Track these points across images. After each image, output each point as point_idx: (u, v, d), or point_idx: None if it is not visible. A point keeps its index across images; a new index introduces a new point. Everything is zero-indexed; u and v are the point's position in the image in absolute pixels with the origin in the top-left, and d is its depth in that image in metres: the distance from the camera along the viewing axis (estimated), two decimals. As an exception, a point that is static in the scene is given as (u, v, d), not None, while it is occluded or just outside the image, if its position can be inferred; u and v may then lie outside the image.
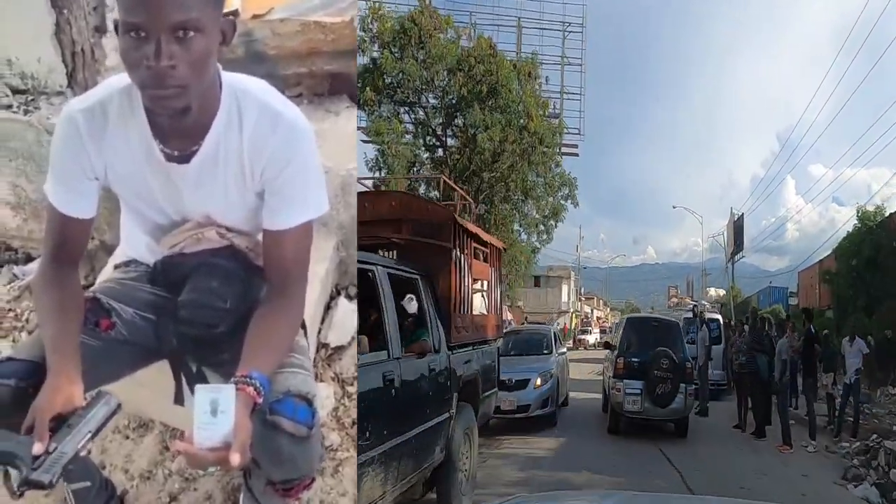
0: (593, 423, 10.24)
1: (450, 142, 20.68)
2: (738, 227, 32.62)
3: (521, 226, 25.35)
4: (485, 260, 6.20)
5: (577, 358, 28.37)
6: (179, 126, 2.11)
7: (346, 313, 3.58)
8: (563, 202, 24.88)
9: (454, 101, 19.57)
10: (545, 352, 10.56)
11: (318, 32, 3.46)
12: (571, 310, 51.65)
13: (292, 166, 2.18)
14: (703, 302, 18.68)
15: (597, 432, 9.44)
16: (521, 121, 19.19)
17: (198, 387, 1.92)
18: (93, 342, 2.28)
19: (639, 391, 8.47)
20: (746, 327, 10.43)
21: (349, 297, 3.67)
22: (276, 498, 2.28)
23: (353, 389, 3.42)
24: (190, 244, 2.41)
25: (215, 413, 1.85)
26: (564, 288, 50.15)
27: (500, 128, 18.58)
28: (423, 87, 19.26)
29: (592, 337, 40.68)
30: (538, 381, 9.27)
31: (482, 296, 6.29)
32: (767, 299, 33.83)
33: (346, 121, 3.61)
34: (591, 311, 63.86)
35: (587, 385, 14.57)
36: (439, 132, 20.50)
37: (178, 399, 2.63)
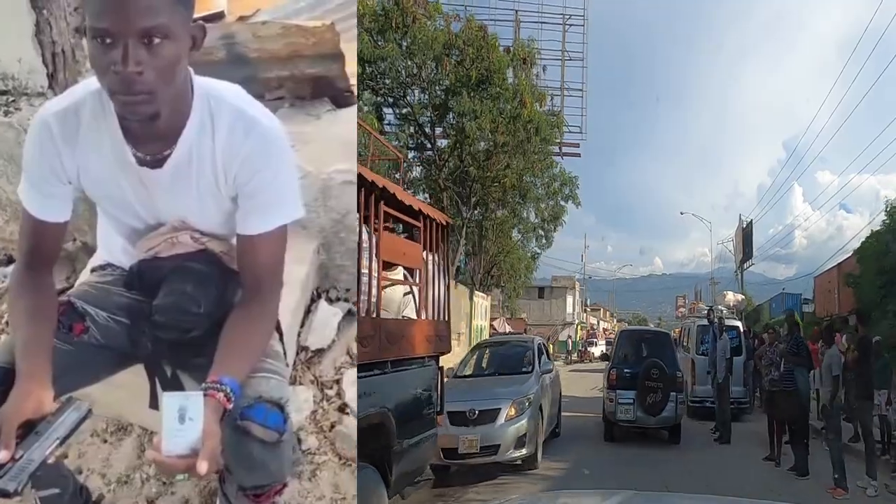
0: (590, 455, 8.43)
1: (440, 143, 19.62)
2: (746, 235, 32.14)
3: (519, 231, 24.79)
4: (413, 237, 4.49)
5: (581, 369, 27.79)
6: (151, 131, 2.10)
7: (327, 316, 3.57)
8: (563, 203, 24.23)
9: (442, 94, 17.89)
10: (524, 370, 8.20)
11: (300, 36, 3.45)
12: (577, 321, 50.22)
13: (266, 171, 2.19)
14: (720, 307, 17.92)
15: (596, 468, 7.57)
16: (515, 108, 17.43)
17: (165, 394, 1.92)
18: (66, 347, 2.27)
19: (631, 401, 8.66)
20: (765, 335, 8.95)
21: (329, 301, 3.66)
22: (248, 503, 2.27)
23: (331, 392, 3.41)
24: (165, 248, 2.41)
25: (183, 420, 1.85)
26: (569, 299, 48.82)
27: (491, 116, 16.86)
28: (409, 79, 17.91)
29: (598, 349, 39.30)
30: (511, 411, 6.95)
31: (411, 292, 4.41)
32: (780, 306, 33.07)
33: (329, 124, 3.60)
34: (598, 322, 62.35)
35: (587, 404, 12.68)
36: (427, 129, 19.19)
37: (153, 403, 2.63)
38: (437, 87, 18.11)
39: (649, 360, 8.86)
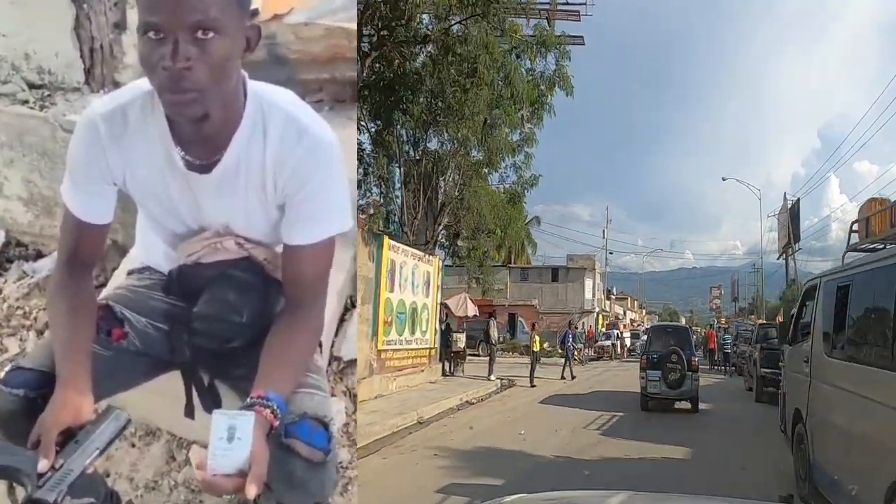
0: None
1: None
2: (793, 215, 28.14)
3: (485, 154, 15.44)
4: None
5: (591, 374, 20.63)
6: (201, 134, 2.05)
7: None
8: (548, 91, 15.78)
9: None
10: None
11: (343, 38, 3.37)
12: (597, 308, 42.06)
13: (315, 181, 2.13)
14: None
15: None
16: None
17: (216, 412, 1.87)
18: (104, 352, 2.23)
19: (658, 378, 11.46)
20: None
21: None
22: None
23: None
24: (207, 254, 2.35)
25: (232, 439, 1.80)
26: (588, 283, 40.57)
27: None
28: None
29: (619, 343, 33.36)
30: None
31: None
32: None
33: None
34: (624, 312, 54.97)
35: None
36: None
37: (189, 412, 2.57)
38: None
39: (671, 347, 11.63)
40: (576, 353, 28.67)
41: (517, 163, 17.04)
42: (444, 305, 16.62)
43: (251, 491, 1.77)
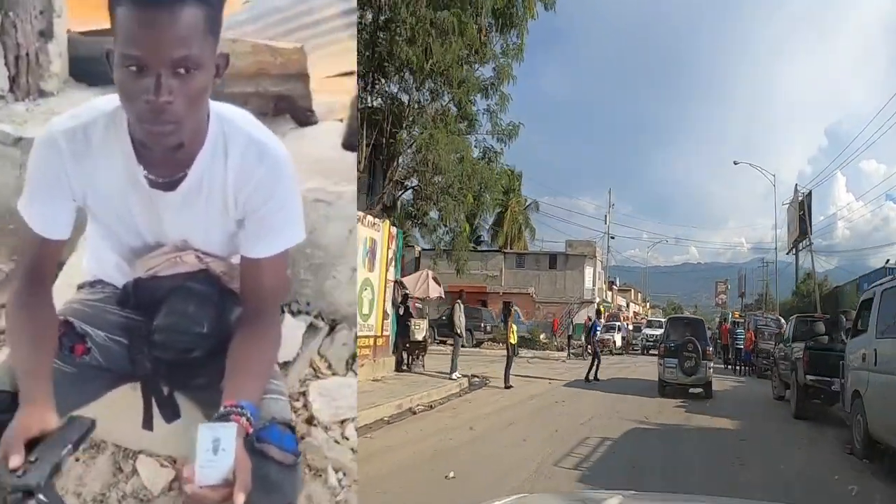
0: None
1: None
2: (799, 212, 26.52)
3: (450, 92, 12.80)
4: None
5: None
6: (170, 156, 2.12)
7: (293, 330, 3.56)
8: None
9: None
10: None
11: (268, 55, 3.52)
12: (598, 299, 38.86)
13: (276, 197, 2.24)
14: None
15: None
16: None
17: (201, 426, 1.93)
18: (69, 368, 2.27)
19: (674, 365, 12.68)
20: None
21: (293, 314, 3.67)
22: None
23: (298, 405, 3.43)
24: (165, 267, 2.42)
25: (216, 451, 1.87)
26: (588, 271, 37.99)
27: None
28: None
29: (620, 335, 30.32)
30: None
31: None
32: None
33: (293, 141, 3.57)
34: (627, 304, 52.78)
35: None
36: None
37: (147, 423, 2.60)
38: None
39: (687, 337, 12.77)
40: (587, 346, 26.33)
41: (490, 108, 13.58)
42: (398, 284, 13.52)
43: (240, 499, 1.85)
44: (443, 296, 16.96)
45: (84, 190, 2.22)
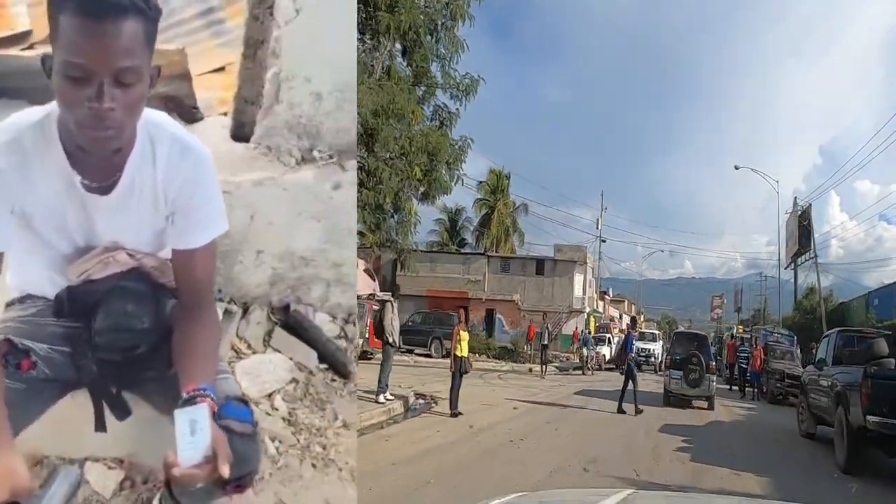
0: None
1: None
2: (803, 222, 25.44)
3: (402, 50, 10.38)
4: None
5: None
6: (105, 159, 2.21)
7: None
8: None
9: None
10: None
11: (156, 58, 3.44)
12: (588, 308, 36.79)
13: (201, 191, 2.40)
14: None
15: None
16: None
17: (176, 411, 2.04)
18: (17, 385, 2.31)
19: (679, 377, 13.52)
20: None
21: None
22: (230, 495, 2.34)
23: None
24: (98, 270, 2.48)
25: (194, 433, 2.00)
26: (577, 278, 35.30)
27: None
28: None
29: (608, 349, 28.19)
30: None
31: None
32: (890, 303, 21.87)
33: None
34: (620, 316, 50.73)
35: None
36: None
37: (100, 426, 2.61)
38: None
39: (692, 351, 13.55)
40: (588, 360, 23.67)
41: (440, 53, 10.30)
42: None
43: (225, 470, 2.00)
44: (375, 292, 15.46)
45: (22, 200, 2.26)
